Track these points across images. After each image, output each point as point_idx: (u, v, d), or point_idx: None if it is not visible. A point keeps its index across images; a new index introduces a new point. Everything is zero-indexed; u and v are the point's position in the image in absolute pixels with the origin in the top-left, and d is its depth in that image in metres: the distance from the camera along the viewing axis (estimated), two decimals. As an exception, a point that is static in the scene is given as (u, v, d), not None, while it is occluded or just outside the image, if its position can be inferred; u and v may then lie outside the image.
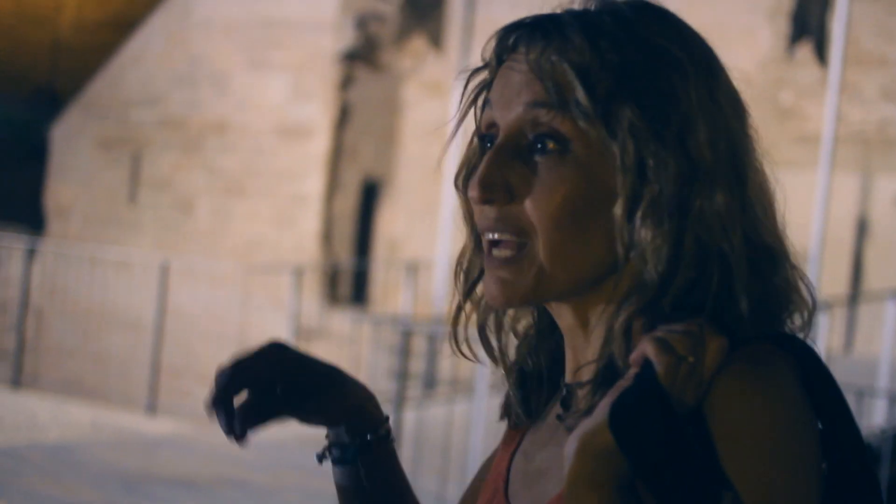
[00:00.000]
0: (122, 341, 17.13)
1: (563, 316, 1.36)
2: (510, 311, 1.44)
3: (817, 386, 1.26)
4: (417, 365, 9.05)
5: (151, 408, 13.03)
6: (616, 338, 1.28)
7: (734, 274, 1.28)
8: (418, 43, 17.57)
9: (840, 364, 11.55)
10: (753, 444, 1.19)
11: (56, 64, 22.71)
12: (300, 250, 16.64)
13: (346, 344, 12.02)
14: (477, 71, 1.39)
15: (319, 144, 16.94)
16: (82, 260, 16.80)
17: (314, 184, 16.93)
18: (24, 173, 20.29)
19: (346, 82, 17.05)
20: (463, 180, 1.40)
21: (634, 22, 1.32)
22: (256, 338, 15.98)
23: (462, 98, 1.39)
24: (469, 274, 1.42)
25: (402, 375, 8.19)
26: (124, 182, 18.25)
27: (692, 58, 1.31)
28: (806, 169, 13.85)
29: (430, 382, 11.39)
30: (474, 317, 1.44)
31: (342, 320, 14.37)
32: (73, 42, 22.84)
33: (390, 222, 17.60)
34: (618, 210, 1.28)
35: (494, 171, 1.31)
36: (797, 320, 1.34)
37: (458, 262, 1.42)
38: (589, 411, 1.26)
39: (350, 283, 17.24)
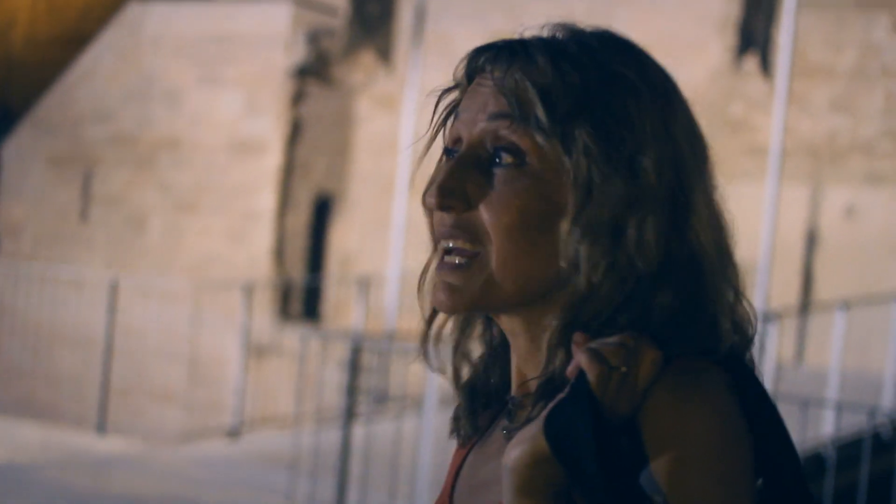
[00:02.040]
0: (74, 360, 17.02)
1: (512, 329, 1.39)
2: (463, 325, 1.47)
3: (751, 400, 1.28)
4: (367, 380, 9.05)
5: (101, 427, 12.94)
6: (550, 352, 1.32)
7: (667, 294, 1.31)
8: (368, 58, 17.57)
9: (790, 375, 11.60)
10: (685, 455, 1.22)
11: (7, 81, 22.57)
12: (253, 266, 16.59)
13: (297, 360, 11.98)
14: (448, 91, 1.44)
15: (272, 160, 16.91)
16: (33, 279, 16.69)
17: (267, 200, 16.90)
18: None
19: (297, 98, 17.03)
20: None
21: (597, 49, 1.38)
22: (207, 355, 15.93)
23: (433, 117, 1.44)
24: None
25: (352, 391, 8.17)
26: (76, 199, 18.16)
27: (650, 87, 1.36)
28: (757, 180, 13.93)
29: (380, 398, 11.37)
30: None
31: (294, 336, 14.34)
32: (25, 58, 22.70)
33: (343, 237, 17.58)
34: (564, 226, 1.32)
35: (453, 179, 1.35)
36: (737, 339, 1.35)
37: (422, 276, 1.45)
38: (529, 423, 1.28)
39: (302, 298, 17.21)
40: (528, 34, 1.41)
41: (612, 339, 1.25)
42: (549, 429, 1.21)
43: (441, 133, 1.44)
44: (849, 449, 8.57)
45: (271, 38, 17.04)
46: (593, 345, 1.24)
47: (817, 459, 8.48)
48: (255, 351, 15.27)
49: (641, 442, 1.22)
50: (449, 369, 1.48)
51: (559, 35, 1.40)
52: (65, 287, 16.64)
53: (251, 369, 14.42)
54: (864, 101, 15.14)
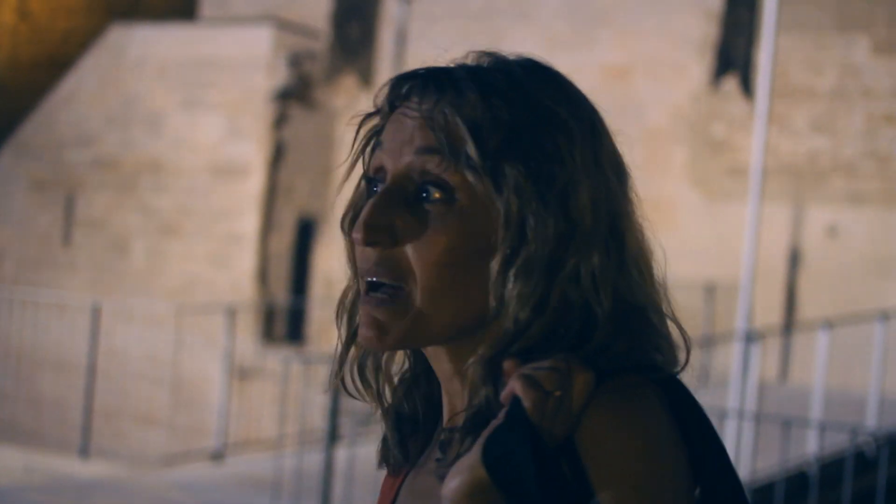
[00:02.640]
0: (57, 384, 16.97)
1: (440, 362, 1.38)
2: (387, 353, 1.44)
3: (685, 414, 1.29)
4: (351, 403, 9.04)
5: (84, 450, 12.88)
6: (474, 385, 1.31)
7: (599, 328, 1.30)
8: (350, 80, 17.60)
9: (774, 393, 11.63)
10: (624, 473, 1.22)
11: (-11, 105, 22.54)
12: (236, 289, 16.57)
13: (280, 382, 11.97)
14: (369, 117, 1.41)
15: (254, 183, 16.91)
16: (15, 303, 16.64)
17: (250, 222, 16.89)
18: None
19: (280, 121, 17.04)
20: (349, 223, 1.41)
21: (525, 82, 1.34)
22: (191, 378, 15.89)
23: (353, 143, 1.40)
24: (352, 315, 1.42)
25: (334, 413, 8.16)
26: (58, 223, 18.13)
27: (578, 120, 1.34)
28: (739, 200, 13.98)
29: (363, 420, 11.35)
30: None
31: (277, 359, 14.32)
32: (7, 82, 22.68)
33: (327, 259, 17.57)
34: (495, 265, 1.30)
35: (379, 214, 1.32)
36: (666, 360, 1.35)
37: (341, 303, 1.43)
38: (462, 455, 1.28)
39: (287, 320, 17.19)
40: (451, 60, 1.38)
41: (544, 364, 1.24)
42: (488, 457, 1.20)
43: (360, 160, 1.41)
44: (832, 468, 8.58)
45: (253, 61, 17.06)
46: (525, 370, 1.23)
47: (801, 478, 8.48)
48: (239, 373, 15.24)
49: (580, 464, 1.23)
50: (369, 397, 1.45)
51: (484, 64, 1.37)
52: (47, 311, 16.60)
53: (235, 392, 14.38)
54: (844, 121, 15.20)
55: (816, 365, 10.09)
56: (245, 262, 16.83)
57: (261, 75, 16.98)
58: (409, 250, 1.32)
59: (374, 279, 1.33)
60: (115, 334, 15.89)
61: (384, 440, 1.47)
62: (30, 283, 17.65)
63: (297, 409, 10.23)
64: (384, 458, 1.47)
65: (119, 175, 17.78)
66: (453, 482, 1.22)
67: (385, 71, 16.41)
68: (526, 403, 1.21)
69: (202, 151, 17.23)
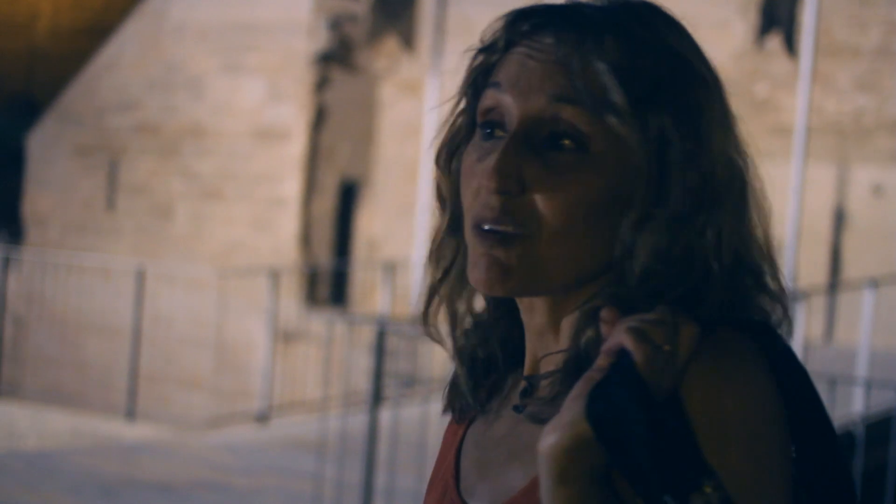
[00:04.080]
0: (102, 348, 17.09)
1: (535, 314, 1.34)
2: (471, 296, 1.40)
3: (784, 369, 1.25)
4: (394, 364, 9.04)
5: (130, 413, 12.99)
6: (579, 326, 1.28)
7: (714, 284, 1.27)
8: (391, 43, 17.56)
9: (820, 353, 11.58)
10: (733, 430, 1.19)
11: (32, 72, 22.65)
12: (279, 253, 16.61)
13: (323, 345, 12.02)
14: (481, 52, 1.35)
15: (296, 147, 16.92)
16: (60, 267, 16.76)
17: (292, 186, 16.91)
18: (2, 182, 20.23)
19: (321, 84, 17.03)
20: (444, 159, 1.37)
21: (659, 29, 1.31)
22: (234, 341, 15.97)
23: (465, 79, 1.36)
24: (441, 257, 1.39)
25: (378, 375, 8.16)
26: (102, 189, 18.22)
27: (711, 74, 1.31)
28: (783, 160, 13.87)
29: (407, 381, 11.38)
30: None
31: (320, 321, 14.37)
32: (49, 50, 22.77)
33: (369, 223, 17.59)
34: (631, 217, 1.27)
35: (511, 161, 1.27)
36: (773, 313, 1.32)
37: (433, 244, 1.39)
38: (554, 400, 1.25)
39: (329, 284, 17.22)
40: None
41: (651, 316, 1.19)
42: (593, 413, 1.15)
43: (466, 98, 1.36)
44: (878, 427, 8.55)
45: (294, 24, 17.04)
46: (633, 323, 1.19)
47: (847, 437, 8.45)
48: (283, 336, 15.30)
49: (685, 420, 1.18)
50: (448, 340, 1.41)
51: (605, 4, 1.32)
52: (92, 275, 16.70)
53: (278, 355, 14.44)
54: (889, 79, 15.06)
55: (861, 324, 10.04)
56: (287, 225, 16.86)
57: (301, 38, 16.97)
58: (538, 199, 1.26)
59: (497, 227, 1.28)
60: (159, 298, 15.98)
61: (452, 384, 1.43)
62: (74, 248, 17.76)
63: (341, 371, 10.26)
64: (451, 403, 1.43)
65: (161, 140, 17.84)
66: (551, 438, 1.17)
67: (427, 33, 16.35)
68: (637, 358, 1.16)
69: (244, 115, 17.26)
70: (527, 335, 1.36)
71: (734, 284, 1.28)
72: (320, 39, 16.98)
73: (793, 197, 8.86)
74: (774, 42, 15.62)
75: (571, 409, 1.17)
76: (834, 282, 14.59)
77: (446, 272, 1.39)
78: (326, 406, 10.16)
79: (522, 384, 1.36)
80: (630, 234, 1.26)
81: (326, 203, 17.23)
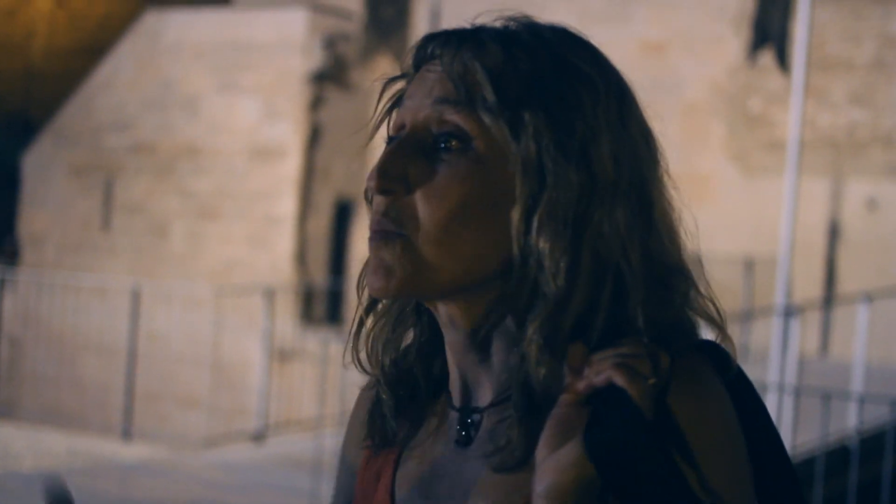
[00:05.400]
0: (98, 368, 17.08)
1: (451, 320, 1.34)
2: (397, 324, 1.42)
3: (737, 386, 1.30)
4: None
5: (127, 433, 12.99)
6: (527, 366, 1.27)
7: (630, 291, 1.28)
8: (385, 61, 17.59)
9: (815, 367, 11.57)
10: (718, 446, 1.23)
11: (28, 91, 22.68)
12: (275, 271, 16.62)
13: (320, 363, 12.02)
14: (394, 80, 1.39)
15: (291, 165, 16.95)
16: (56, 287, 16.76)
17: (287, 204, 16.93)
18: (-2, 202, 20.24)
19: (316, 103, 17.06)
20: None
21: (552, 40, 1.33)
22: (231, 360, 15.96)
23: (376, 106, 1.39)
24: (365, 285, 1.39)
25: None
26: (98, 208, 18.22)
27: (604, 79, 1.32)
28: (777, 174, 13.90)
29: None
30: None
31: (316, 340, 14.38)
32: (44, 69, 22.81)
33: (365, 240, 17.57)
34: (515, 214, 1.28)
35: (393, 162, 1.30)
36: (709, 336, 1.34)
37: (361, 272, 1.39)
38: (528, 442, 1.26)
39: (325, 302, 17.22)
40: (481, 23, 1.36)
41: (628, 350, 1.21)
42: (596, 453, 1.17)
43: (386, 124, 1.39)
44: (873, 441, 8.54)
45: (288, 43, 17.08)
46: (617, 359, 1.20)
47: (842, 451, 8.45)
48: (279, 355, 15.29)
49: (682, 445, 1.22)
50: (376, 368, 1.41)
51: (513, 25, 1.36)
52: (88, 295, 16.70)
53: (275, 373, 14.44)
54: (883, 93, 15.09)
55: (856, 338, 10.04)
56: (283, 243, 16.88)
57: (296, 58, 17.00)
58: (419, 199, 1.29)
59: (380, 228, 1.30)
60: (155, 317, 15.98)
61: (374, 413, 1.42)
62: (70, 267, 17.76)
63: (337, 389, 10.26)
64: (371, 433, 1.42)
65: (157, 159, 17.85)
66: (552, 478, 1.18)
67: (420, 50, 16.37)
68: (634, 394, 1.17)
69: (239, 134, 17.28)
70: (449, 355, 1.37)
71: (655, 294, 1.29)
72: (315, 58, 17.01)
73: (787, 211, 8.86)
74: (767, 57, 15.66)
75: (571, 450, 1.18)
76: (829, 296, 14.60)
77: (373, 300, 1.41)
78: (322, 424, 10.16)
79: (456, 415, 1.37)
80: (519, 229, 1.28)
81: (322, 221, 17.24)
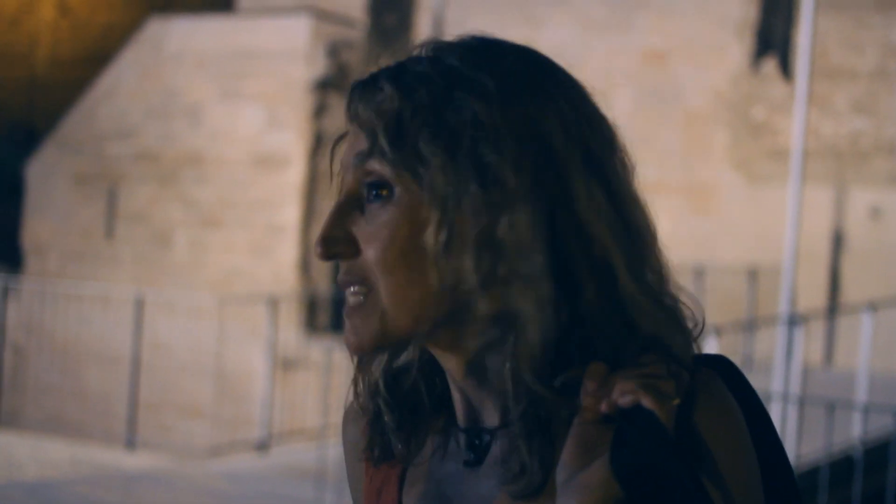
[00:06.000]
0: (101, 377, 17.07)
1: (441, 355, 1.36)
2: (392, 354, 1.43)
3: (745, 399, 1.32)
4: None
5: (130, 442, 12.97)
6: (518, 389, 1.29)
7: (590, 293, 1.29)
8: (389, 69, 17.58)
9: (819, 377, 11.57)
10: (742, 470, 1.26)
11: (32, 100, 22.72)
12: (279, 280, 16.62)
13: (323, 372, 12.02)
14: (340, 139, 1.40)
15: (295, 173, 16.95)
16: (59, 296, 16.76)
17: (291, 213, 16.93)
18: (1, 210, 20.26)
19: (319, 111, 17.06)
20: None
21: (448, 58, 1.34)
22: (234, 369, 15.95)
23: (331, 166, 1.41)
24: None
25: (377, 402, 8.17)
26: (101, 217, 18.22)
27: (504, 82, 1.31)
28: (780, 183, 13.89)
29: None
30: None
31: (320, 348, 14.37)
32: (48, 78, 22.85)
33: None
34: (429, 240, 1.29)
35: (333, 226, 1.33)
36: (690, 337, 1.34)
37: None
38: (544, 466, 1.27)
39: (329, 311, 17.22)
40: (388, 61, 1.38)
41: (653, 370, 1.24)
42: (624, 474, 1.18)
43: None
44: (877, 451, 8.54)
45: (291, 51, 17.09)
46: (643, 379, 1.22)
47: (846, 461, 8.44)
48: (282, 364, 15.29)
49: (708, 460, 1.24)
50: (381, 386, 1.42)
51: (418, 54, 1.37)
52: (91, 304, 16.70)
53: (278, 382, 14.44)
54: (886, 101, 15.09)
55: (861, 348, 10.04)
56: (287, 252, 16.87)
57: (299, 65, 17.01)
58: (365, 252, 1.32)
59: (350, 289, 1.33)
60: (158, 326, 15.97)
61: (374, 427, 1.43)
62: (73, 276, 17.77)
63: (341, 398, 10.25)
64: (371, 446, 1.43)
65: (160, 168, 17.86)
66: (576, 501, 1.20)
67: (423, 59, 16.37)
68: (661, 416, 1.20)
69: (242, 142, 17.28)
70: (450, 381, 1.39)
71: (603, 287, 1.29)
72: (318, 66, 17.02)
73: (790, 220, 8.86)
74: (770, 65, 15.65)
75: (596, 471, 1.20)
76: (833, 305, 14.59)
77: (361, 356, 1.42)
78: (326, 434, 10.15)
79: (465, 438, 1.37)
80: (434, 257, 1.29)
81: (325, 229, 17.24)
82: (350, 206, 1.34)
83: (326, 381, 10.35)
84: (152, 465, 12.15)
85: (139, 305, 13.81)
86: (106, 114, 18.36)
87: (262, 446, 12.23)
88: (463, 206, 1.28)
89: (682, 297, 1.35)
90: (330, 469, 8.99)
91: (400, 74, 1.33)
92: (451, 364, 1.36)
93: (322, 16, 17.40)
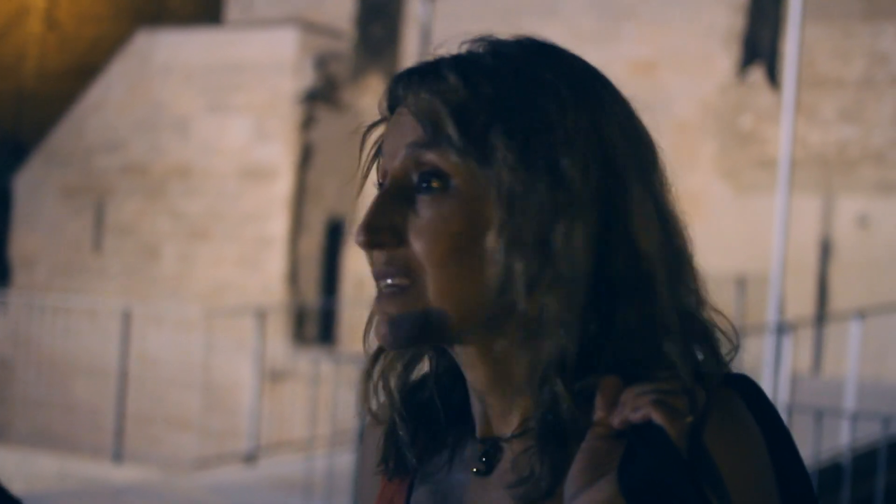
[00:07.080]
0: (89, 390, 17.04)
1: (468, 361, 1.33)
2: (410, 360, 1.41)
3: (765, 419, 1.29)
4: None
5: (118, 455, 12.93)
6: (539, 393, 1.27)
7: (629, 311, 1.28)
8: (375, 80, 17.59)
9: (807, 385, 11.56)
10: (756, 493, 1.24)
11: (19, 113, 22.68)
12: (267, 292, 16.59)
13: (311, 384, 12.00)
14: (374, 125, 1.39)
15: (283, 185, 16.94)
16: (47, 309, 16.72)
17: (279, 225, 16.91)
18: (-12, 224, 20.22)
19: (307, 122, 17.06)
20: None
21: (514, 56, 1.32)
22: (222, 381, 15.93)
23: (360, 156, 1.38)
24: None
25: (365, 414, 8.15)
26: (89, 230, 18.20)
27: (572, 87, 1.30)
28: (768, 192, 13.90)
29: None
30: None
31: (308, 361, 14.35)
32: (35, 91, 22.81)
33: (357, 260, 17.56)
34: (490, 240, 1.27)
35: (379, 214, 1.30)
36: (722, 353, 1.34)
37: (368, 322, 1.38)
38: (553, 473, 1.25)
39: (317, 322, 17.20)
40: (444, 52, 1.35)
41: (667, 386, 1.22)
42: (632, 490, 1.17)
43: (375, 170, 1.38)
44: (865, 459, 8.53)
45: (279, 64, 17.09)
46: (656, 395, 1.20)
47: (834, 469, 8.43)
48: (270, 376, 15.26)
49: (719, 482, 1.22)
50: (396, 399, 1.39)
51: (476, 48, 1.35)
52: (79, 317, 16.66)
53: (266, 394, 14.41)
54: (873, 110, 15.11)
55: (849, 356, 10.03)
56: (275, 264, 16.86)
57: (287, 78, 17.01)
58: (413, 244, 1.28)
59: (388, 281, 1.30)
60: (146, 339, 15.94)
61: (389, 439, 1.40)
62: (61, 289, 17.73)
63: (329, 410, 10.24)
64: (386, 457, 1.41)
65: (148, 180, 17.84)
66: None
67: (410, 70, 16.39)
68: (672, 433, 1.18)
69: (230, 155, 17.27)
70: (471, 392, 1.36)
71: (644, 303, 1.28)
72: (306, 78, 17.02)
73: (778, 229, 8.86)
74: (758, 75, 15.68)
75: (602, 488, 1.18)
76: (821, 313, 14.60)
77: (378, 351, 1.40)
78: (314, 445, 10.13)
79: (479, 447, 1.35)
80: (495, 262, 1.27)
81: (314, 241, 17.22)
82: (396, 196, 1.31)
83: (314, 392, 10.32)
84: (140, 478, 12.11)
85: (127, 318, 13.78)
86: (94, 127, 18.34)
87: (250, 458, 12.20)
88: (529, 206, 1.26)
89: (718, 320, 1.34)
90: (318, 480, 8.96)
91: (465, 65, 1.31)
92: (477, 372, 1.33)
93: (309, 28, 17.41)
